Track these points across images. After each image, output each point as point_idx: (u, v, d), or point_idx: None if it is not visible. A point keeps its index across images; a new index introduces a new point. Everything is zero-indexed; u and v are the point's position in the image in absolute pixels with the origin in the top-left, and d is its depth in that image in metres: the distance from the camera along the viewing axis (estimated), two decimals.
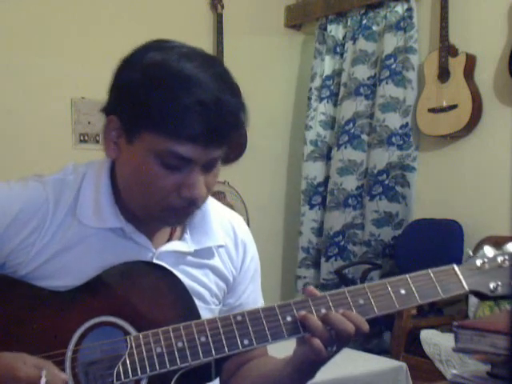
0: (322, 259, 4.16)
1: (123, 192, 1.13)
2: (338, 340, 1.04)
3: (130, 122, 1.06)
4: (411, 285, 1.09)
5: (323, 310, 1.05)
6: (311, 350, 1.04)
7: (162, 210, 1.09)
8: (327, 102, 4.29)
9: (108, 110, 1.11)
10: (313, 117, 4.32)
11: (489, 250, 1.15)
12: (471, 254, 1.16)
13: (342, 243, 4.10)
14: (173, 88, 1.02)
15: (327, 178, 4.26)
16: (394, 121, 3.88)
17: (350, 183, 4.08)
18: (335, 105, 4.27)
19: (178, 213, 1.10)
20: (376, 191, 3.94)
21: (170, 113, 1.01)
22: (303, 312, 1.04)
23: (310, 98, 4.35)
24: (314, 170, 4.31)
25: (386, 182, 3.91)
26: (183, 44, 1.10)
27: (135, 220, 1.14)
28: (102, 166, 1.16)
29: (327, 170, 4.28)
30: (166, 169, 1.05)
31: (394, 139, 3.88)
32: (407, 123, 3.86)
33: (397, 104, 3.88)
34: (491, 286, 1.12)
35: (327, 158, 4.30)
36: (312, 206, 4.31)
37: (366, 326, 1.04)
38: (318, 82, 4.32)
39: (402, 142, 3.88)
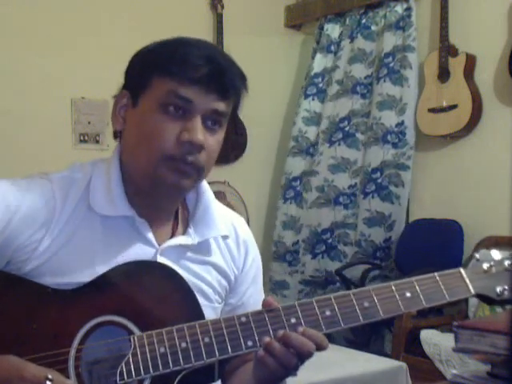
0: (309, 256, 4.15)
1: (129, 163, 1.16)
2: (298, 358, 1.04)
3: (137, 78, 1.15)
4: (417, 288, 1.09)
5: (328, 313, 1.06)
6: (269, 373, 1.05)
7: (163, 161, 1.11)
8: (312, 99, 4.28)
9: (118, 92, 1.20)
10: (297, 113, 4.33)
11: (496, 253, 1.14)
12: (478, 257, 1.14)
13: (330, 241, 4.08)
14: (177, 43, 1.14)
15: (306, 173, 4.24)
16: (389, 119, 3.87)
17: (342, 181, 4.07)
18: (323, 102, 4.26)
19: (177, 163, 1.11)
20: (369, 189, 3.92)
21: (177, 57, 1.11)
22: (268, 339, 1.03)
23: (300, 96, 4.36)
24: (292, 165, 4.30)
25: (379, 181, 3.88)
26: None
27: (142, 214, 1.16)
28: (110, 161, 1.19)
29: (307, 165, 4.26)
30: (167, 117, 1.11)
31: (389, 137, 3.86)
32: (403, 121, 3.84)
33: (393, 102, 3.87)
34: (498, 289, 1.11)
35: (307, 153, 4.28)
36: (285, 200, 4.30)
37: (326, 344, 1.05)
38: (308, 80, 4.33)
39: (397, 140, 3.85)
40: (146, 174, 1.13)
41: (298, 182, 4.28)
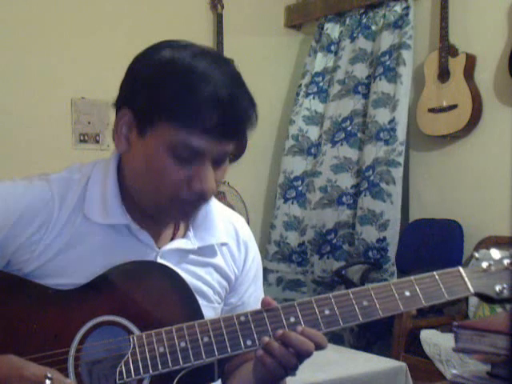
0: (315, 256, 4.14)
1: (132, 187, 1.13)
2: (298, 358, 1.04)
3: (144, 113, 1.07)
4: (416, 287, 1.09)
5: (327, 312, 1.06)
6: (269, 373, 1.04)
7: (170, 203, 1.09)
8: (313, 97, 4.27)
9: (120, 104, 1.12)
10: (297, 112, 4.31)
11: (495, 252, 1.14)
12: (477, 255, 1.14)
13: (335, 241, 4.07)
14: (188, 82, 1.04)
15: (308, 174, 4.24)
16: (383, 116, 3.86)
17: (345, 181, 4.05)
18: (324, 101, 4.26)
19: (186, 206, 1.11)
20: (362, 187, 3.90)
21: (185, 104, 1.03)
22: (267, 338, 1.03)
23: (298, 94, 4.35)
24: (292, 164, 4.28)
25: (371, 178, 3.85)
26: (194, 43, 1.12)
27: (141, 218, 1.15)
28: (108, 164, 1.17)
29: (309, 165, 4.25)
30: (177, 161, 1.06)
31: (381, 135, 3.85)
32: (394, 117, 3.81)
33: (387, 99, 3.86)
34: (497, 288, 1.10)
35: (308, 153, 4.27)
36: (286, 200, 4.28)
37: (325, 343, 1.04)
38: (308, 79, 4.33)
39: (388, 137, 3.83)
40: (152, 206, 1.12)
41: (300, 182, 4.27)
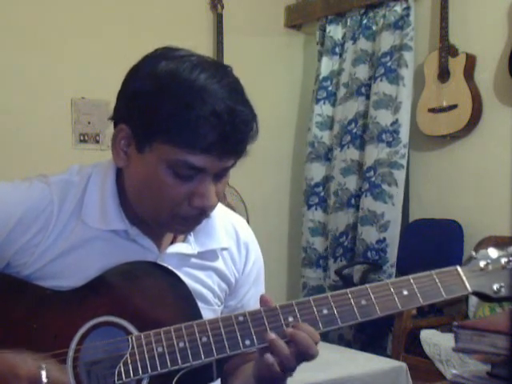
0: (331, 260, 4.14)
1: (132, 199, 1.13)
2: (301, 359, 1.04)
3: (142, 131, 1.06)
4: (414, 286, 1.09)
5: (325, 311, 1.06)
6: (270, 373, 1.04)
7: (172, 218, 1.09)
8: (324, 103, 4.27)
9: (117, 118, 1.11)
10: (311, 118, 4.32)
11: (493, 251, 1.14)
12: (474, 254, 1.15)
13: (346, 244, 4.07)
14: (186, 99, 1.02)
15: (326, 179, 4.24)
16: (385, 118, 3.85)
17: (353, 183, 4.05)
18: (333, 105, 4.26)
19: (187, 221, 1.11)
20: (363, 188, 3.90)
21: (183, 123, 1.01)
22: (273, 335, 1.03)
23: (312, 101, 4.35)
24: (312, 171, 4.29)
25: (373, 179, 3.86)
26: (192, 52, 1.10)
27: (140, 223, 1.14)
28: (107, 169, 1.16)
29: (326, 170, 4.26)
30: (177, 178, 1.05)
31: (384, 136, 3.85)
32: (397, 119, 3.81)
33: (389, 101, 3.85)
34: (495, 287, 1.11)
35: (325, 158, 4.28)
36: (309, 207, 4.29)
37: (317, 338, 1.04)
38: (317, 85, 4.33)
39: (391, 139, 3.83)
40: (152, 220, 1.12)
41: (321, 188, 4.28)
